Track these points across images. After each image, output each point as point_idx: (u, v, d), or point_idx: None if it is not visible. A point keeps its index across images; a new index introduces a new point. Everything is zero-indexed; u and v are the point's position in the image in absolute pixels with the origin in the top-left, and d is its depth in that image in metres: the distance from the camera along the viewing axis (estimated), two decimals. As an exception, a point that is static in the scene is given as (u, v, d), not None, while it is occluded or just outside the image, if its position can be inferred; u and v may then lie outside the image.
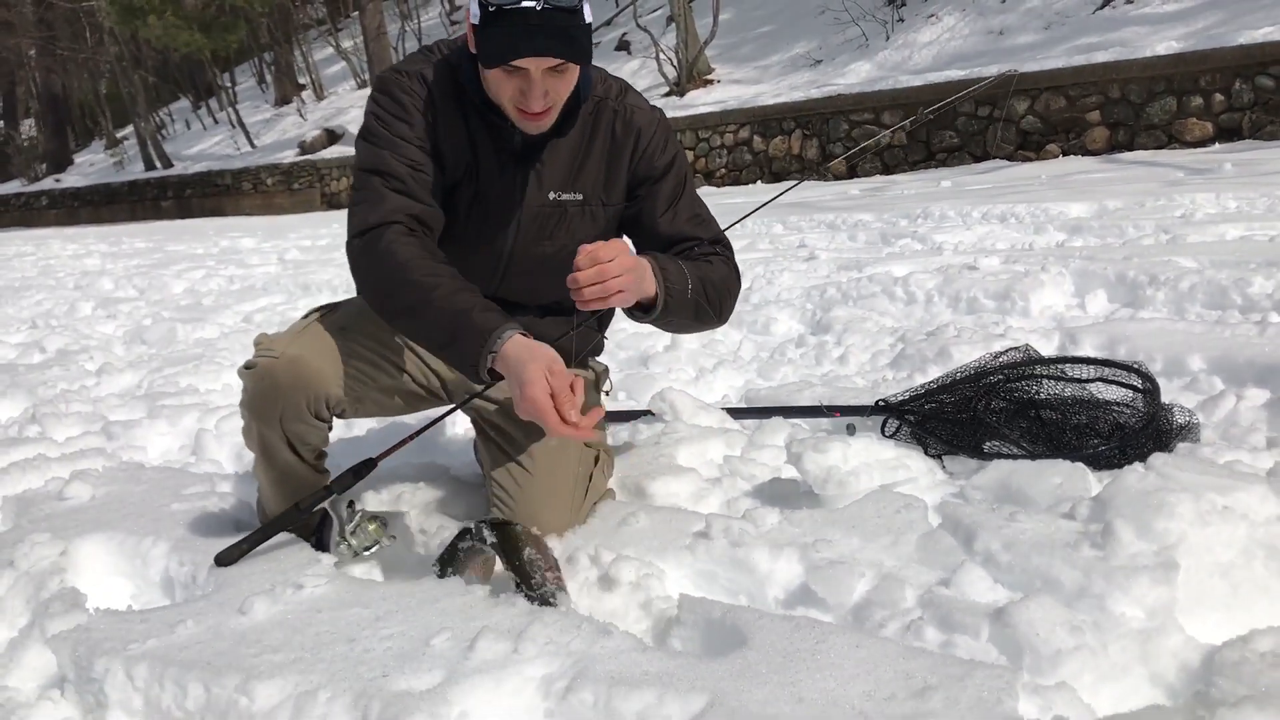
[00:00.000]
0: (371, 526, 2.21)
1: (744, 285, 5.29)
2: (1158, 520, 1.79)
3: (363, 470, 2.19)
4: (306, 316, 2.34)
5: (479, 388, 2.32)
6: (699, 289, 2.18)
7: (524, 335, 1.96)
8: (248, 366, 2.19)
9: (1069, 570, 1.74)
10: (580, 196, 2.26)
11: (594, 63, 2.18)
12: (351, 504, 2.27)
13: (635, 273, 2.03)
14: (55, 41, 33.42)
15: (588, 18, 2.02)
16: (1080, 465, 2.22)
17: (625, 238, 2.38)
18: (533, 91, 2.03)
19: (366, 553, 2.20)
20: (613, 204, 2.30)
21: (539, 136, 2.17)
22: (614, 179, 2.27)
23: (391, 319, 2.14)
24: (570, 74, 2.06)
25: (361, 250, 2.13)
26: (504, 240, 2.27)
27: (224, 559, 2.15)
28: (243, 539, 2.18)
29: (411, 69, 2.21)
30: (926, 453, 2.53)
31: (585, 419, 1.89)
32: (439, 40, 2.26)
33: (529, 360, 1.90)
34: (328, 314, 2.31)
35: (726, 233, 2.35)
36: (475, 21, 2.00)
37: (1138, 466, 2.02)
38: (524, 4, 1.93)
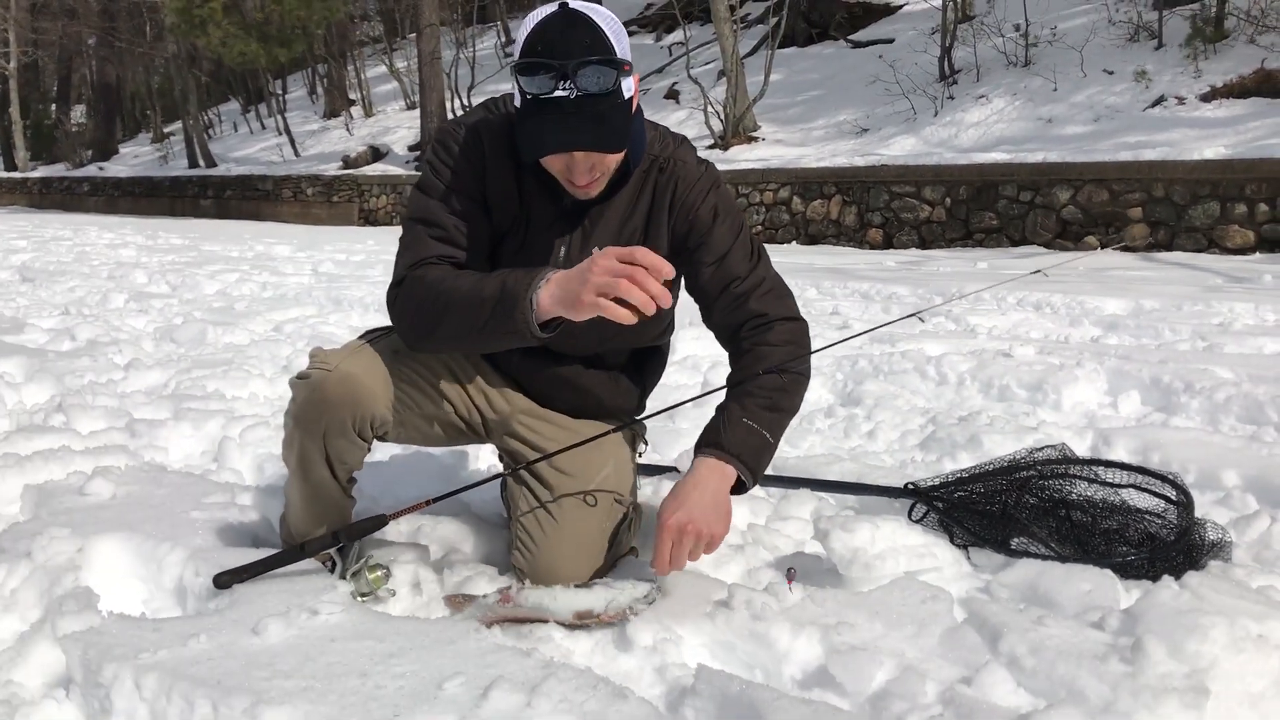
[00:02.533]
0: (372, 575, 2.20)
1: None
2: (1190, 642, 1.76)
3: (373, 526, 2.20)
4: (362, 337, 2.36)
5: (521, 456, 2.36)
6: (774, 424, 2.20)
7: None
8: (300, 377, 2.21)
9: (1096, 683, 1.71)
10: None
11: (643, 109, 2.20)
12: (358, 547, 2.27)
13: (706, 524, 2.05)
14: (115, 33, 33.96)
15: (627, 92, 2.02)
16: (1109, 573, 2.20)
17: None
18: (577, 169, 2.05)
19: (362, 599, 2.18)
20: None
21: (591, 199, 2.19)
22: (656, 231, 2.26)
23: (432, 333, 2.14)
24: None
25: (397, 295, 2.18)
26: None
27: (223, 582, 2.14)
28: (245, 565, 2.17)
29: (470, 121, 2.23)
30: (952, 541, 2.50)
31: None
32: (505, 95, 2.26)
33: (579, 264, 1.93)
34: (382, 337, 2.33)
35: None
36: (517, 104, 2.03)
37: (1172, 584, 1.99)
38: (557, 94, 1.94)
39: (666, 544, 2.03)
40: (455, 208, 2.20)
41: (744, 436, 2.14)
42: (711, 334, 2.37)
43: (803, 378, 2.26)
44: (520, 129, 2.01)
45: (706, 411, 3.89)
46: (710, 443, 2.15)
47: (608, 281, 1.84)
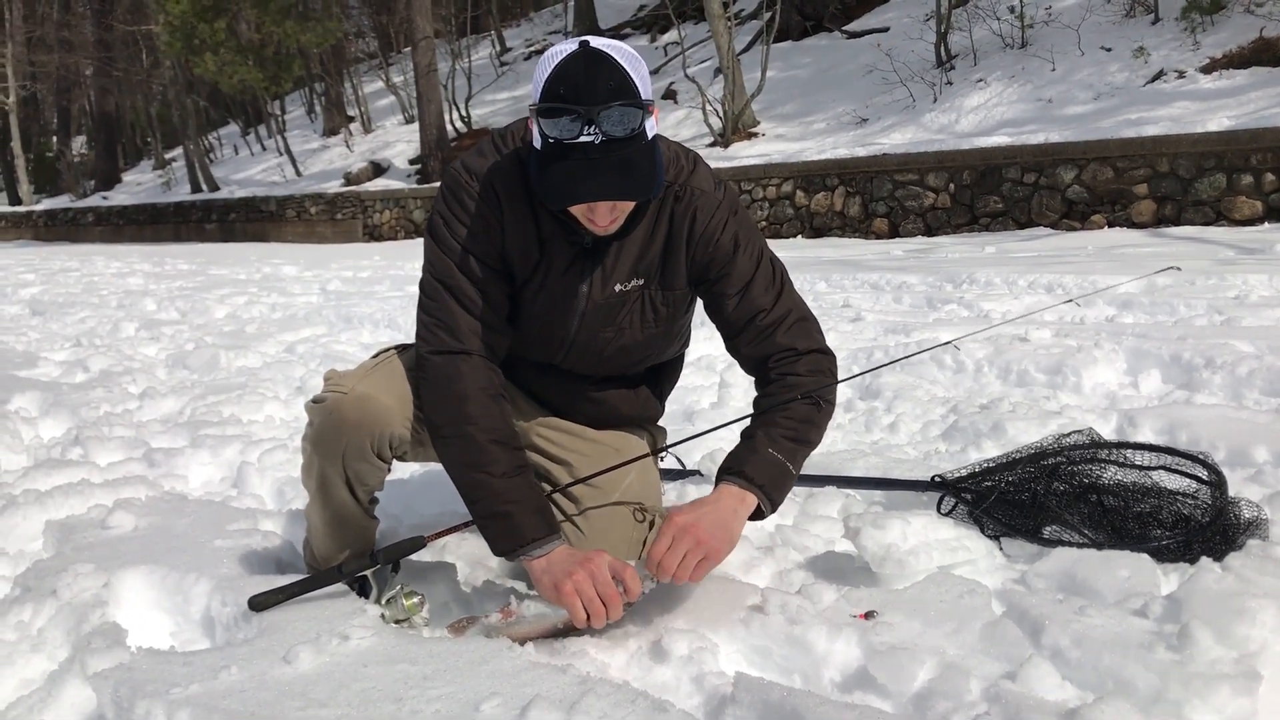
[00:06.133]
0: (408, 602, 2.16)
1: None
2: (1238, 626, 1.72)
3: (411, 548, 2.19)
4: (377, 355, 2.34)
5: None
6: (796, 454, 2.15)
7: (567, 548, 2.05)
8: (316, 401, 2.20)
9: (1144, 673, 1.68)
10: (641, 282, 2.22)
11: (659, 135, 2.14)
12: (395, 570, 2.25)
13: (710, 536, 2.00)
14: (112, 62, 34.04)
15: (650, 131, 1.97)
16: (1146, 558, 2.17)
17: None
18: (599, 210, 2.02)
19: (396, 625, 2.16)
20: (674, 289, 2.25)
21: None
22: (673, 262, 2.22)
23: (438, 450, 2.17)
24: None
25: (438, 375, 2.14)
26: (567, 329, 2.26)
27: (258, 604, 2.13)
28: (280, 587, 2.16)
29: (479, 168, 2.16)
30: (984, 533, 2.47)
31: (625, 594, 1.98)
32: (511, 125, 2.21)
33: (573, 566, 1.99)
34: (396, 354, 2.31)
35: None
36: (537, 146, 1.97)
37: (1214, 567, 1.96)
38: (582, 139, 1.88)
39: (666, 538, 2.00)
40: (475, 272, 2.15)
41: (766, 466, 2.10)
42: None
43: (830, 408, 2.23)
44: (543, 174, 1.95)
45: (722, 413, 3.88)
46: (733, 470, 2.11)
47: (589, 594, 1.95)
